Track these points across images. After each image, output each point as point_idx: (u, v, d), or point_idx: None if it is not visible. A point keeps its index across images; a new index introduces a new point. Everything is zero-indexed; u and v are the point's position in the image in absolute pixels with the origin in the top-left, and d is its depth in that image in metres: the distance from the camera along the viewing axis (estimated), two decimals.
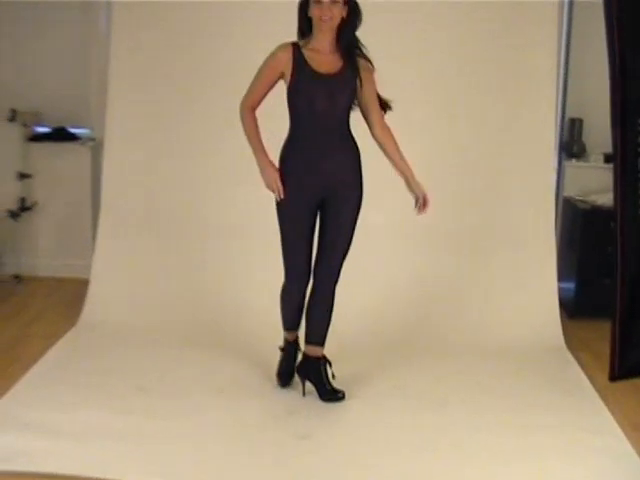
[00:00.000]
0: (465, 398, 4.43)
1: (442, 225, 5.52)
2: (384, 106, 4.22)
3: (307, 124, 4.07)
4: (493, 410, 4.29)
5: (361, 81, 4.07)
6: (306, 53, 4.04)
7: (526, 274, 5.48)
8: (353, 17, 4.02)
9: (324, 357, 4.35)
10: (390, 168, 4.27)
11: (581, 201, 6.00)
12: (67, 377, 4.50)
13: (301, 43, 4.07)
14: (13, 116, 6.14)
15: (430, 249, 5.54)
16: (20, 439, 3.75)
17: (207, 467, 3.63)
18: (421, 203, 4.22)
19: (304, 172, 4.10)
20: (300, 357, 4.46)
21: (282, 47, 4.05)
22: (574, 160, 6.23)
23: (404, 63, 5.39)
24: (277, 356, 4.54)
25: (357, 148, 4.19)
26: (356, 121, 4.20)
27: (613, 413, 4.28)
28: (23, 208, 6.14)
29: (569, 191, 6.20)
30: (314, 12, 3.96)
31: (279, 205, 4.17)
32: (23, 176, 6.12)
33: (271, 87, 4.11)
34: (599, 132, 5.97)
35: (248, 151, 4.23)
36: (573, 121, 6.21)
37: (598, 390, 4.56)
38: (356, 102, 4.16)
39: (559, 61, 5.84)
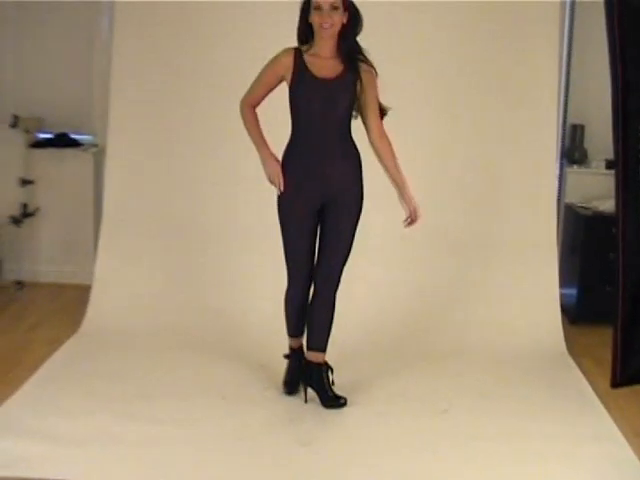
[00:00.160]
0: (466, 404, 4.42)
1: (443, 232, 5.53)
2: (381, 112, 4.22)
3: (307, 128, 4.10)
4: (494, 416, 4.29)
5: (362, 85, 4.08)
6: (307, 58, 4.07)
7: (528, 280, 5.48)
8: (354, 23, 4.04)
9: (326, 363, 4.35)
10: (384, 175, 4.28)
11: (583, 207, 6.00)
12: (69, 383, 4.50)
13: (304, 48, 4.09)
14: (15, 122, 6.14)
15: (431, 256, 5.55)
16: (21, 445, 3.75)
17: (208, 473, 3.63)
18: (411, 217, 4.22)
19: (303, 177, 4.12)
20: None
21: (285, 51, 4.09)
22: (576, 166, 6.23)
23: (404, 65, 5.40)
24: (280, 363, 4.55)
25: (358, 154, 4.20)
26: (359, 124, 4.22)
27: (615, 419, 4.28)
28: (25, 214, 6.14)
29: (571, 197, 6.20)
30: (314, 19, 3.98)
31: (280, 209, 4.20)
32: (25, 182, 6.13)
33: (271, 89, 4.15)
34: (601, 138, 5.97)
35: (252, 158, 4.27)
36: (575, 127, 6.22)
37: (600, 396, 4.55)
38: (357, 107, 4.17)
39: (560, 67, 5.83)
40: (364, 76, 4.09)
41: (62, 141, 6.42)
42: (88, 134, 6.52)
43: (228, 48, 5.48)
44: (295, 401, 4.40)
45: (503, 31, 5.47)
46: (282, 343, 4.54)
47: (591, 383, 4.74)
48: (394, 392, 4.54)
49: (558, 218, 5.91)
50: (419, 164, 5.49)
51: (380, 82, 4.16)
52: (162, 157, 5.60)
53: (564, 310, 5.58)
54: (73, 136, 6.48)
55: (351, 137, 4.18)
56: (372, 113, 4.15)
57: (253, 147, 4.22)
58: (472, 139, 5.56)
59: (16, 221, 6.07)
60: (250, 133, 4.19)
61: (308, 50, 4.08)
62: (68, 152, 6.38)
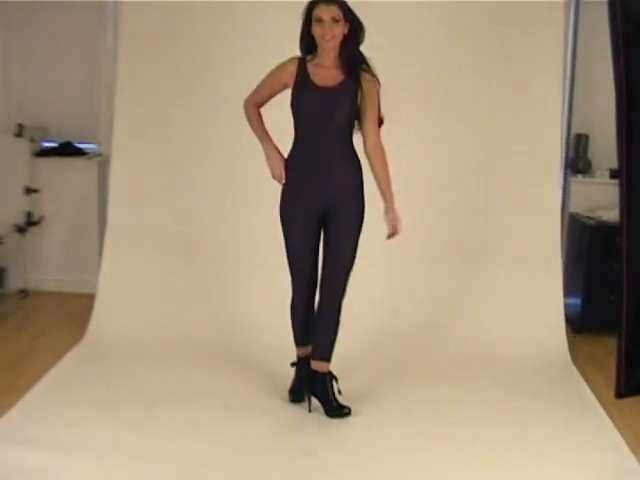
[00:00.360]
0: (470, 413, 4.41)
1: (447, 241, 5.54)
2: (379, 121, 4.23)
3: (307, 136, 4.14)
4: (498, 425, 4.28)
5: (362, 94, 4.09)
6: (310, 68, 4.11)
7: (532, 289, 5.47)
8: (355, 34, 4.07)
9: (330, 373, 4.35)
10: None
11: (587, 217, 5.99)
12: (73, 392, 4.50)
13: (308, 58, 4.14)
14: (20, 131, 6.16)
15: (435, 265, 5.55)
16: (24, 454, 3.74)
17: None
18: (391, 232, 4.24)
19: (304, 183, 4.16)
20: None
21: (290, 60, 4.15)
22: (580, 176, 6.23)
23: (405, 75, 5.42)
24: (284, 372, 4.55)
25: (359, 163, 4.21)
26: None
27: (619, 428, 4.26)
28: (30, 223, 6.15)
29: (575, 207, 6.20)
30: (316, 31, 4.02)
31: (281, 215, 4.24)
32: (30, 191, 6.14)
33: (274, 94, 4.23)
34: (605, 148, 5.97)
35: (257, 167, 4.29)
36: (579, 137, 6.22)
37: (604, 405, 4.54)
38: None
39: (565, 77, 5.84)
40: (365, 85, 4.10)
41: (67, 150, 6.44)
42: (92, 143, 6.54)
43: (236, 58, 5.50)
44: (300, 410, 4.39)
45: (507, 42, 5.48)
46: (288, 351, 4.54)
47: (595, 392, 4.73)
48: (398, 401, 4.53)
49: (562, 228, 5.91)
50: (422, 175, 5.53)
51: (382, 92, 4.17)
52: (166, 166, 5.62)
53: (568, 319, 5.57)
54: (78, 145, 6.50)
55: (352, 146, 4.19)
56: (370, 122, 4.15)
57: (259, 157, 4.25)
58: (476, 148, 5.56)
59: (21, 230, 6.08)
60: (253, 128, 4.26)
61: (312, 60, 4.13)
62: (73, 161, 6.40)
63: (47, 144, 6.48)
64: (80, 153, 6.47)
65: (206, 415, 4.27)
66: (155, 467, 3.72)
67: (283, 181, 4.17)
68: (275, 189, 4.26)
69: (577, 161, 6.23)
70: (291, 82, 4.12)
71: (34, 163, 6.29)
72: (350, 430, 4.20)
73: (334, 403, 4.32)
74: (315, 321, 4.35)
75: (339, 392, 4.35)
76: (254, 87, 4.26)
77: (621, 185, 4.68)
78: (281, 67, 4.17)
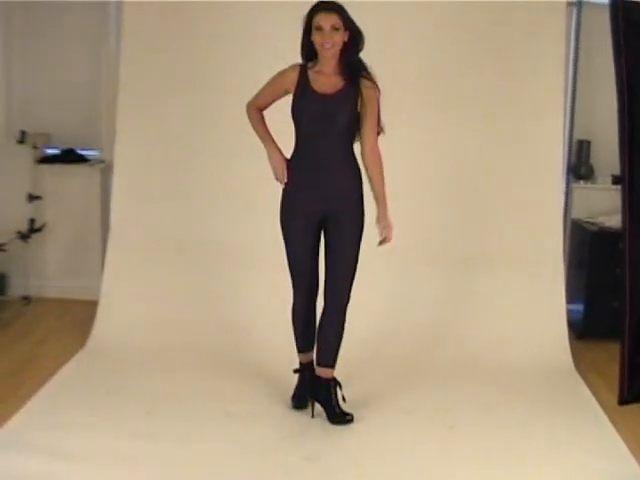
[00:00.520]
0: (472, 419, 4.42)
1: (450, 247, 5.54)
2: (378, 130, 4.25)
3: (307, 142, 4.16)
4: (500, 431, 4.28)
5: (362, 101, 4.11)
6: (311, 75, 4.14)
7: (535, 295, 5.48)
8: (355, 41, 4.09)
9: (334, 379, 4.36)
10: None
11: (589, 223, 5.99)
12: (75, 399, 4.51)
13: (309, 65, 4.16)
14: (23, 138, 6.17)
15: (437, 271, 5.55)
16: (27, 461, 3.74)
17: None
18: (382, 238, 4.24)
19: (304, 189, 4.18)
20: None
21: (292, 67, 4.18)
22: (582, 182, 6.23)
23: (404, 72, 5.44)
24: (287, 378, 4.57)
25: (359, 169, 4.23)
26: None
27: (621, 434, 4.27)
28: (32, 229, 6.15)
29: (577, 213, 6.20)
30: (316, 39, 4.04)
31: (281, 219, 4.27)
32: (33, 197, 6.14)
33: (275, 100, 4.27)
34: (607, 154, 5.98)
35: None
36: (581, 143, 6.22)
37: (607, 411, 4.54)
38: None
39: (567, 83, 5.84)
40: (365, 92, 4.12)
41: (69, 157, 6.45)
42: (95, 150, 6.54)
43: (238, 62, 5.51)
44: (302, 416, 4.40)
45: (509, 47, 5.49)
46: (291, 357, 4.55)
47: (598, 398, 4.74)
48: (401, 407, 4.53)
49: (564, 233, 5.91)
50: (423, 181, 5.55)
51: (383, 94, 4.18)
52: (169, 173, 5.62)
53: (571, 325, 5.57)
54: (80, 152, 6.51)
55: (352, 152, 4.22)
56: (369, 128, 4.17)
57: (261, 162, 4.28)
58: (477, 154, 5.56)
59: (23, 236, 6.08)
60: (256, 129, 4.30)
61: (313, 67, 4.16)
62: (75, 168, 6.41)
63: (49, 151, 6.48)
64: (82, 160, 6.48)
65: (208, 421, 4.28)
66: (156, 473, 3.72)
67: (285, 180, 4.19)
68: (277, 192, 4.28)
69: (579, 167, 6.23)
70: (292, 88, 4.15)
71: (37, 170, 6.29)
72: (351, 436, 4.20)
73: (337, 409, 4.32)
74: (319, 327, 4.37)
75: (343, 399, 4.36)
76: (257, 90, 4.30)
77: (623, 191, 4.67)
78: (282, 73, 4.20)
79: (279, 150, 4.23)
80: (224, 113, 5.44)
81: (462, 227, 5.56)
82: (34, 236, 6.18)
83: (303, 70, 4.15)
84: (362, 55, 4.14)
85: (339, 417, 4.30)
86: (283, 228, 4.28)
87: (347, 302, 4.29)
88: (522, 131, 5.54)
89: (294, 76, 4.14)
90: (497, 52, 5.49)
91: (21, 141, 6.17)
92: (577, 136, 6.20)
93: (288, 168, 4.19)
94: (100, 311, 5.52)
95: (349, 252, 4.23)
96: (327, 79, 4.12)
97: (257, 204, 5.37)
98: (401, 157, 5.27)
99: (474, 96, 5.53)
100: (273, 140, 4.26)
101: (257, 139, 4.31)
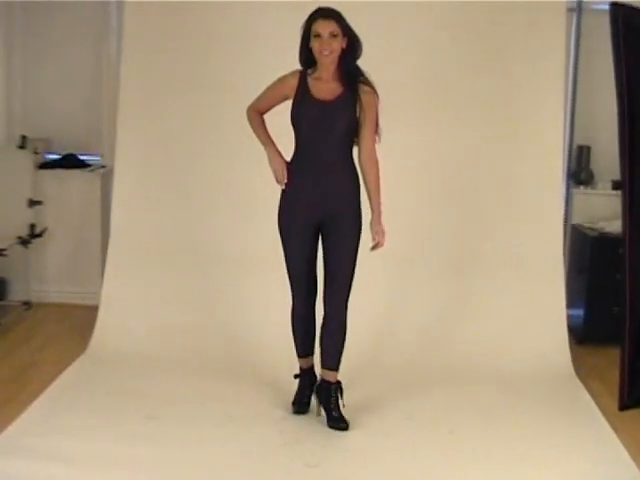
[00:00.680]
0: (473, 425, 4.41)
1: (450, 252, 5.54)
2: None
3: (306, 147, 4.18)
4: (501, 437, 4.27)
5: (361, 106, 4.13)
6: (310, 81, 4.17)
7: (535, 301, 5.47)
8: (353, 48, 4.11)
9: (337, 383, 4.37)
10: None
11: (589, 228, 5.99)
12: (76, 404, 4.50)
13: (309, 72, 4.18)
14: (24, 143, 6.17)
15: (437, 276, 5.55)
16: (27, 466, 3.74)
17: None
18: (374, 243, 4.26)
19: (302, 194, 4.20)
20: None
21: (292, 73, 4.20)
22: (582, 187, 6.24)
23: (403, 74, 5.45)
24: (287, 383, 4.58)
25: (357, 175, 4.25)
26: None
27: (622, 440, 4.26)
28: (33, 235, 6.14)
29: (577, 218, 6.20)
30: (314, 46, 4.06)
31: (279, 223, 4.29)
32: (33, 203, 6.13)
33: (274, 105, 4.30)
34: (607, 159, 5.98)
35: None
36: (581, 148, 6.22)
37: (607, 417, 4.54)
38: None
39: (567, 89, 5.85)
40: (364, 97, 4.14)
41: (70, 162, 6.46)
42: (96, 155, 6.55)
43: (239, 63, 5.52)
44: (302, 421, 4.40)
45: (509, 54, 5.50)
46: (291, 362, 4.56)
47: (598, 404, 4.73)
48: (401, 413, 4.53)
49: (565, 239, 5.91)
50: (423, 186, 5.55)
51: (382, 97, 4.20)
52: (170, 178, 5.62)
53: (571, 331, 5.57)
54: (81, 157, 6.52)
55: (351, 157, 4.23)
56: (367, 133, 4.18)
57: (262, 167, 4.29)
58: (477, 160, 5.57)
59: (24, 242, 6.07)
60: (256, 133, 4.32)
61: (312, 73, 4.18)
62: (76, 173, 6.41)
63: (50, 156, 6.49)
64: (83, 165, 6.48)
65: (208, 426, 4.27)
66: (157, 477, 3.73)
67: (285, 181, 4.20)
68: (278, 196, 4.30)
69: (579, 172, 6.23)
70: (291, 95, 4.17)
71: (37, 175, 6.29)
72: (351, 441, 4.20)
73: (334, 413, 4.34)
74: (321, 330, 4.38)
75: (342, 405, 4.36)
76: (258, 91, 4.32)
77: (623, 196, 4.69)
78: (282, 79, 4.22)
79: (279, 153, 4.25)
80: (225, 117, 5.43)
81: (462, 232, 5.56)
82: (34, 241, 6.17)
83: (303, 76, 4.17)
84: (362, 55, 4.15)
85: (334, 422, 4.31)
86: (281, 231, 4.30)
87: (346, 305, 4.29)
88: (522, 137, 5.55)
89: (294, 82, 4.17)
90: (497, 55, 5.50)
91: (22, 146, 6.18)
92: (577, 141, 6.21)
93: (288, 171, 4.20)
94: (100, 316, 5.51)
95: (347, 255, 4.24)
96: (326, 85, 4.14)
97: (257, 209, 5.38)
98: (401, 159, 5.28)
99: (474, 99, 5.54)
100: (273, 143, 4.28)
101: (257, 143, 4.32)
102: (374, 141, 4.21)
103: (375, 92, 4.16)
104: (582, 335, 5.82)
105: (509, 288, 5.51)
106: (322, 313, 4.35)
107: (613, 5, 4.59)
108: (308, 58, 4.14)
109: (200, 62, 5.59)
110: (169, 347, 5.29)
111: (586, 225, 6.07)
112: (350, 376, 4.55)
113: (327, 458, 3.99)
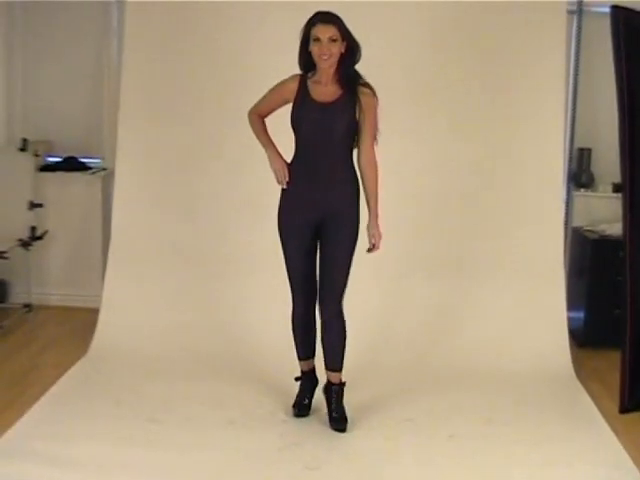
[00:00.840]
0: (473, 429, 4.41)
1: (450, 254, 5.54)
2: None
3: (305, 149, 4.20)
4: (501, 441, 4.26)
5: (361, 107, 4.14)
6: (310, 84, 4.19)
7: (535, 304, 5.47)
8: (352, 52, 4.13)
9: (339, 384, 4.39)
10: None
11: (590, 231, 5.99)
12: (76, 407, 4.50)
13: (308, 75, 4.20)
14: (25, 145, 6.17)
15: (437, 277, 5.55)
16: (28, 470, 3.74)
17: None
18: (371, 246, 4.28)
19: (302, 195, 4.22)
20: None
21: (292, 77, 4.22)
22: (583, 190, 6.22)
23: (402, 77, 5.47)
24: (288, 386, 4.59)
25: (357, 179, 4.26)
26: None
27: (623, 443, 4.25)
28: (34, 237, 6.14)
29: (578, 221, 6.20)
30: (314, 50, 4.08)
31: (279, 225, 4.31)
32: (34, 205, 6.13)
33: (275, 109, 4.33)
34: (608, 162, 5.97)
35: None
36: (581, 151, 6.21)
37: (608, 420, 4.53)
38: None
39: (567, 91, 5.85)
40: (363, 99, 4.15)
41: (71, 165, 6.46)
42: (96, 157, 6.55)
43: (240, 66, 5.52)
44: (303, 424, 4.40)
45: (509, 55, 5.50)
46: (292, 365, 4.57)
47: (599, 407, 4.72)
48: (402, 416, 4.52)
49: (565, 241, 5.91)
50: (423, 187, 5.55)
51: (381, 108, 4.21)
52: (170, 181, 5.63)
53: (571, 333, 5.57)
54: (82, 160, 6.51)
55: (351, 159, 4.24)
56: (367, 136, 4.20)
57: (263, 168, 4.31)
58: (478, 162, 5.56)
59: (25, 244, 6.06)
60: (257, 135, 4.36)
61: (312, 77, 4.20)
62: (77, 176, 6.41)
63: (51, 158, 6.49)
64: (84, 168, 6.48)
65: (209, 429, 4.28)
66: None
67: (287, 179, 4.21)
68: (278, 198, 4.32)
69: (580, 175, 6.22)
70: (292, 98, 4.19)
71: (38, 178, 6.29)
72: (352, 444, 4.20)
73: (334, 414, 4.36)
74: (321, 331, 4.38)
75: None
76: (261, 92, 4.33)
77: (624, 199, 4.69)
78: (283, 83, 4.25)
79: (280, 155, 4.27)
80: (226, 119, 5.43)
81: (462, 234, 5.56)
82: (35, 244, 6.17)
83: (303, 80, 4.20)
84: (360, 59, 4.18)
85: (333, 422, 4.34)
86: (281, 232, 4.32)
87: (341, 303, 4.29)
88: (523, 139, 5.55)
89: (294, 86, 4.19)
90: (497, 56, 5.50)
91: (23, 149, 6.17)
92: (578, 144, 6.20)
93: (288, 171, 4.22)
94: (101, 318, 5.52)
95: (344, 256, 4.25)
96: (325, 88, 4.16)
97: (258, 210, 5.37)
98: (401, 159, 5.29)
99: (474, 101, 5.54)
100: (274, 146, 4.30)
101: (258, 145, 4.35)
102: (373, 143, 4.22)
103: (374, 94, 4.17)
104: (583, 338, 5.82)
105: (510, 290, 5.50)
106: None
107: (614, 8, 4.59)
108: (307, 62, 4.16)
109: (202, 63, 5.59)
110: (170, 349, 5.29)
111: (587, 228, 6.06)
112: (350, 378, 4.55)
113: (327, 461, 3.99)
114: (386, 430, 4.35)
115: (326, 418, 4.39)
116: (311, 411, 4.50)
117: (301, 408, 4.49)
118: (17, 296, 6.32)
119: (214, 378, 4.95)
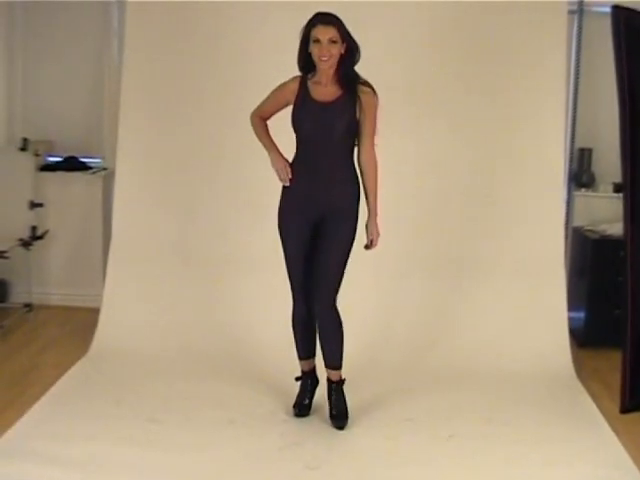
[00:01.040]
0: (473, 428, 4.40)
1: (451, 254, 5.54)
2: None
3: (306, 149, 4.22)
4: (501, 441, 4.25)
5: (361, 106, 4.15)
6: (310, 85, 4.21)
7: (536, 303, 5.47)
8: (352, 53, 4.14)
9: (337, 382, 4.40)
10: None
11: (591, 231, 5.99)
12: (77, 407, 4.50)
13: (309, 76, 4.22)
14: (25, 145, 6.17)
15: (437, 277, 5.54)
16: (28, 470, 3.74)
17: None
18: (368, 243, 4.30)
19: (303, 195, 4.23)
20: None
21: (292, 79, 4.24)
22: (583, 190, 6.23)
23: (402, 78, 5.45)
24: (288, 385, 4.59)
25: (357, 178, 4.27)
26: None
27: (624, 444, 4.25)
28: (34, 237, 6.14)
29: (579, 221, 6.20)
30: (314, 51, 4.09)
31: (279, 224, 4.32)
32: (35, 205, 6.13)
33: (277, 110, 4.34)
34: (608, 162, 5.97)
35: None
36: (582, 151, 6.22)
37: (608, 420, 4.53)
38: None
39: (568, 91, 5.84)
40: (363, 98, 4.16)
41: (71, 164, 6.46)
42: (97, 157, 6.55)
43: (241, 67, 5.52)
44: (303, 424, 4.40)
45: (510, 55, 5.49)
46: (293, 365, 4.57)
47: (599, 407, 4.72)
48: (402, 416, 4.52)
49: (566, 241, 5.91)
50: (423, 187, 5.55)
51: (382, 106, 4.21)
52: (171, 180, 5.63)
53: (572, 333, 5.57)
54: (82, 159, 6.52)
55: (352, 158, 4.25)
56: (367, 135, 4.21)
57: (264, 169, 4.33)
58: (478, 162, 5.56)
59: (25, 244, 6.06)
60: (259, 137, 4.38)
61: (312, 77, 4.21)
62: (77, 175, 6.42)
63: (51, 158, 6.50)
64: (84, 167, 6.49)
65: (209, 429, 4.28)
66: None
67: (289, 176, 4.22)
68: (278, 198, 4.33)
69: (581, 175, 6.23)
70: (292, 99, 4.21)
71: (38, 177, 6.28)
72: (352, 444, 4.20)
73: (333, 411, 4.39)
74: (318, 330, 4.39)
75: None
76: (263, 92, 4.34)
77: (625, 199, 4.69)
78: (284, 85, 4.27)
79: (281, 155, 4.29)
80: (227, 119, 5.44)
81: (463, 234, 5.55)
82: (36, 243, 6.16)
83: (303, 81, 4.21)
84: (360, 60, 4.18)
85: (332, 419, 4.36)
86: (281, 231, 4.33)
87: (335, 300, 4.29)
88: (523, 139, 5.54)
89: (294, 87, 4.21)
90: (497, 56, 5.49)
91: (23, 148, 6.17)
92: (579, 144, 6.20)
93: (291, 169, 4.24)
94: (102, 318, 5.52)
95: (340, 255, 4.25)
96: (325, 89, 4.18)
97: (258, 210, 5.37)
98: (401, 159, 5.29)
99: (475, 101, 5.53)
100: (276, 147, 4.32)
101: (259, 144, 4.36)
102: (374, 142, 4.23)
103: (374, 93, 4.18)
104: (583, 338, 5.82)
105: (510, 290, 5.50)
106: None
107: (615, 8, 4.59)
108: (307, 63, 4.17)
109: (202, 63, 5.59)
110: (170, 349, 5.30)
111: (587, 228, 6.06)
112: (350, 377, 4.55)
113: (328, 461, 3.99)
114: (386, 430, 4.35)
115: (327, 417, 4.40)
116: (311, 411, 4.50)
117: (301, 408, 4.50)
118: (17, 296, 6.32)
119: (214, 378, 4.95)
